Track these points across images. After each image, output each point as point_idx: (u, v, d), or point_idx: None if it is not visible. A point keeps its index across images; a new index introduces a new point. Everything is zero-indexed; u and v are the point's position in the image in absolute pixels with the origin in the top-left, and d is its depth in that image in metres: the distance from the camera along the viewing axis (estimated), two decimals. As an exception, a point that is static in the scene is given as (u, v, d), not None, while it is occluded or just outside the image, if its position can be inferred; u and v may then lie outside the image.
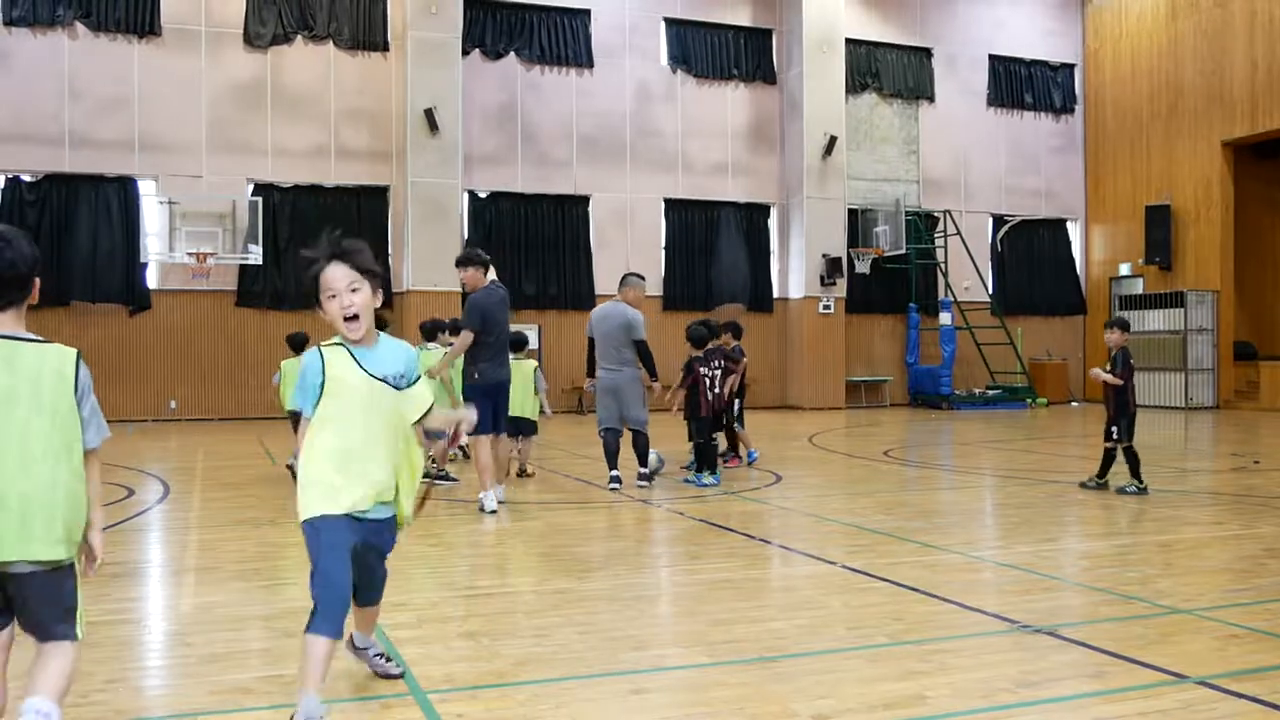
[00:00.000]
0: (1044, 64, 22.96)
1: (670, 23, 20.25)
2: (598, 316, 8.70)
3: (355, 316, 3.08)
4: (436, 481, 8.35)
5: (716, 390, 9.02)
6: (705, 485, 8.65)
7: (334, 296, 3.07)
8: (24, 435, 2.44)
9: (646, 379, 8.60)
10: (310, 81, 17.95)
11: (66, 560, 2.50)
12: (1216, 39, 19.91)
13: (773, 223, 21.00)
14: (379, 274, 3.20)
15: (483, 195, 19.03)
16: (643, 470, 8.59)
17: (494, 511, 7.20)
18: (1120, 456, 8.20)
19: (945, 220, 21.73)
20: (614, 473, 8.49)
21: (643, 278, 9.05)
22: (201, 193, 17.11)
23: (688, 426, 9.34)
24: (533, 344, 16.70)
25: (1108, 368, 8.29)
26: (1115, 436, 8.17)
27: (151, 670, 3.87)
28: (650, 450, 8.75)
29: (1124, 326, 8.43)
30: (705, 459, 8.90)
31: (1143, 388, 20.44)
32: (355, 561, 3.10)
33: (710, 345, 9.17)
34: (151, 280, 17.23)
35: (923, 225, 21.57)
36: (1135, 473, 8.08)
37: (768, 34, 20.87)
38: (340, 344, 3.14)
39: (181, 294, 17.32)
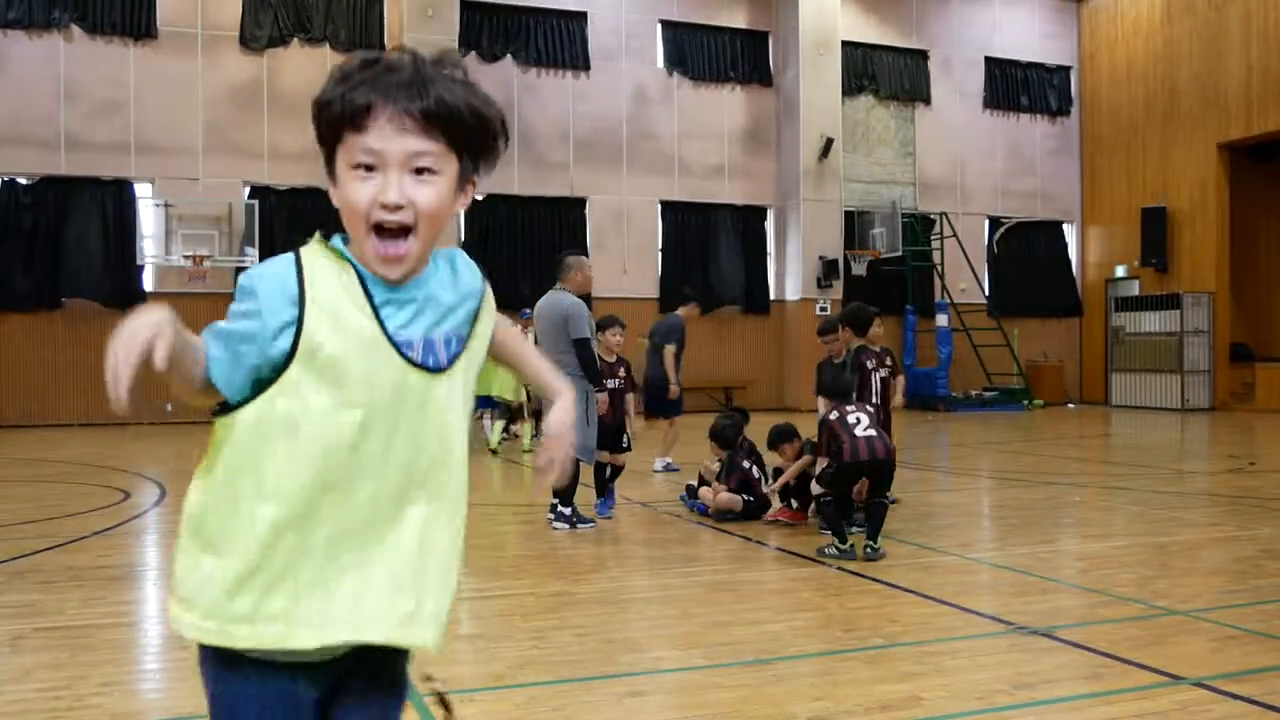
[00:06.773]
0: (1040, 66, 22.98)
1: (666, 25, 20.24)
2: (537, 311, 7.43)
3: (405, 230, 1.42)
4: None
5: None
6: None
7: (369, 170, 1.41)
8: None
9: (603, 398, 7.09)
10: (307, 84, 17.90)
11: None
12: (1212, 42, 19.94)
13: (769, 225, 21.00)
14: (491, 149, 1.49)
15: (479, 197, 19.00)
16: (562, 509, 6.72)
17: None
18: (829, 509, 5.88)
19: (941, 222, 21.74)
20: (561, 507, 6.75)
21: (584, 254, 7.63)
22: (198, 195, 17.07)
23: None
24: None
25: (889, 375, 6.54)
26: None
27: (148, 674, 3.86)
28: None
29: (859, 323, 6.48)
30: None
31: (1140, 389, 20.68)
32: None
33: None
34: (148, 283, 17.19)
35: (919, 227, 21.58)
36: (839, 531, 5.76)
37: (764, 36, 20.88)
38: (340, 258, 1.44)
39: (178, 297, 17.25)
